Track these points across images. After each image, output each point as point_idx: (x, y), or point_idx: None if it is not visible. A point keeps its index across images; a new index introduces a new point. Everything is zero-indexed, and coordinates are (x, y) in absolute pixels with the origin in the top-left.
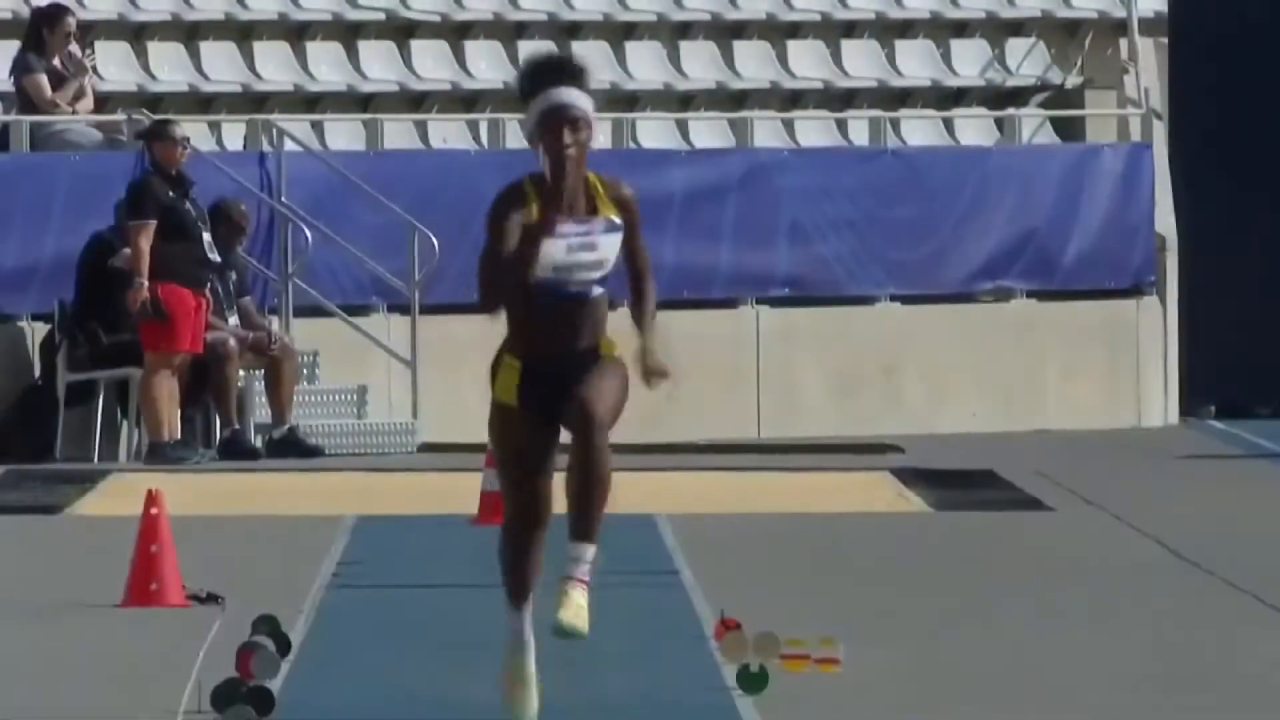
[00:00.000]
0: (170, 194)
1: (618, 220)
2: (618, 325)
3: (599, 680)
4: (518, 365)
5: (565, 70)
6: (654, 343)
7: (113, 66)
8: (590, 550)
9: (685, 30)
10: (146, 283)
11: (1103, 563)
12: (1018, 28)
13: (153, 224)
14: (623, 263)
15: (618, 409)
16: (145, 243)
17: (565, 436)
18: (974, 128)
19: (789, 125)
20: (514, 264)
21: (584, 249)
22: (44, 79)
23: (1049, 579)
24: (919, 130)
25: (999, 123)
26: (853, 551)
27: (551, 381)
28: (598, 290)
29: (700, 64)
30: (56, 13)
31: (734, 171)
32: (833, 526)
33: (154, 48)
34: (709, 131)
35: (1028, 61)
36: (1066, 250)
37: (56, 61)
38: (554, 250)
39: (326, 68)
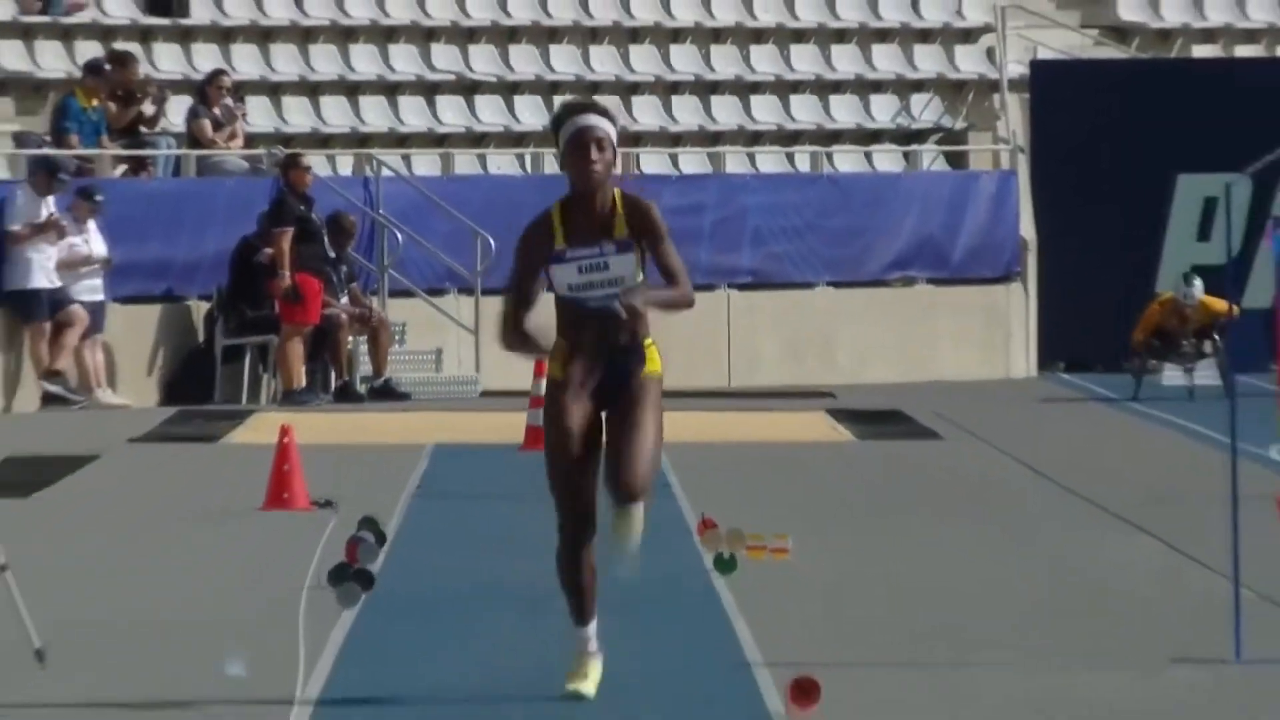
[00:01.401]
0: (300, 208)
1: (629, 240)
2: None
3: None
4: (565, 347)
5: (590, 105)
6: (646, 294)
7: (256, 114)
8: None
9: (674, 88)
10: (287, 273)
11: (981, 477)
12: (920, 85)
13: (291, 230)
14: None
15: (655, 460)
16: (286, 244)
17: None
18: (888, 159)
19: (752, 157)
20: (505, 323)
21: (595, 270)
22: (207, 124)
23: (942, 489)
24: (847, 161)
25: (906, 156)
26: (798, 470)
27: (597, 370)
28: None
29: (686, 112)
30: (216, 75)
31: (711, 192)
32: (784, 451)
33: (286, 100)
34: (693, 162)
35: (927, 110)
36: (955, 249)
37: (216, 110)
38: (565, 274)
39: (412, 115)
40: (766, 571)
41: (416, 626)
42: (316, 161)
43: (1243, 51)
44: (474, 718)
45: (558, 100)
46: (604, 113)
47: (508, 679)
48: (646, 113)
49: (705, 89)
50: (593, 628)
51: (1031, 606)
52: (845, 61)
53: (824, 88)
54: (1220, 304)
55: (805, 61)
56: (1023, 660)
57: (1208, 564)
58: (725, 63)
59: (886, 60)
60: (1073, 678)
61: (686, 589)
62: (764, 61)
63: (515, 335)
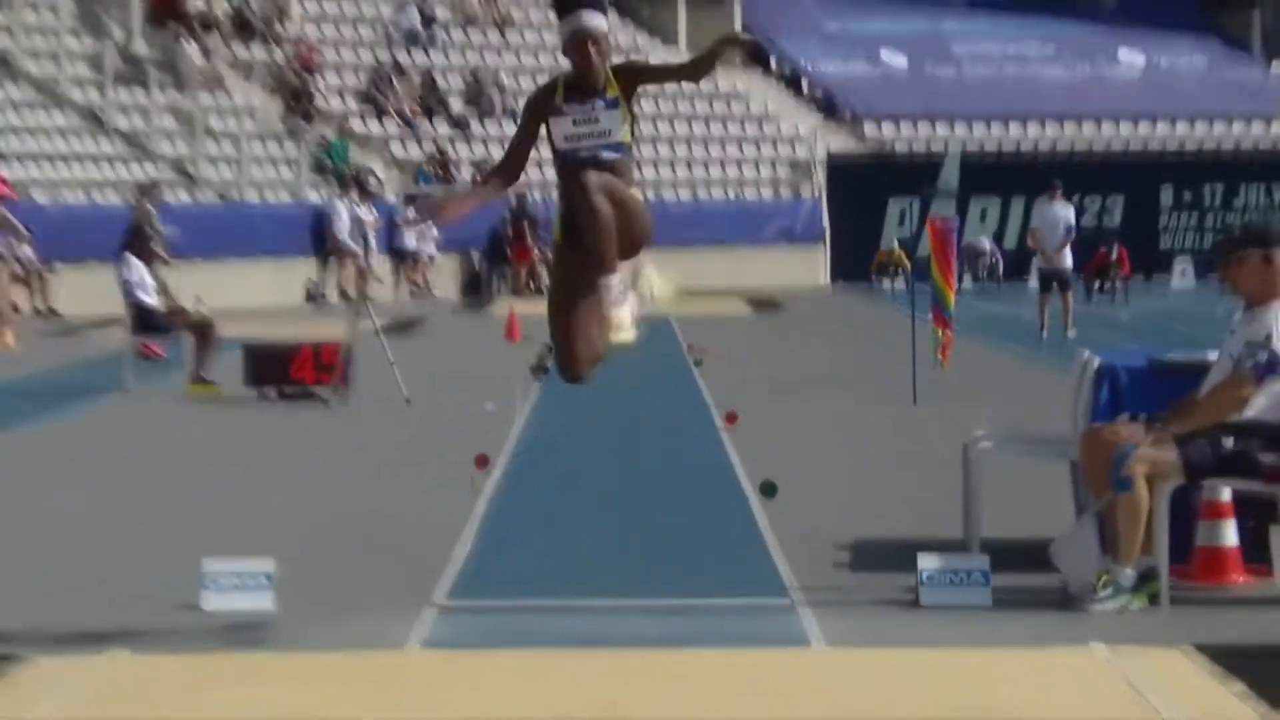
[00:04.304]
0: None
1: (617, 99)
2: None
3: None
4: (563, 210)
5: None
6: (722, 38)
7: None
8: (611, 278)
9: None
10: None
11: (815, 327)
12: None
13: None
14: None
15: (610, 188)
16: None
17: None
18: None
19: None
20: (492, 172)
21: (586, 123)
22: None
23: (796, 334)
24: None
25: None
26: (735, 326)
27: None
28: (610, 154)
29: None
30: None
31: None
32: (724, 320)
33: None
34: None
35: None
36: (798, 229)
37: None
38: (561, 126)
39: None
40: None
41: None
42: None
43: None
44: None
45: None
46: (597, 4)
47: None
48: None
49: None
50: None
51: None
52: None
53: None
54: (903, 254)
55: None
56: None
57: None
58: None
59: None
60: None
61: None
62: None
63: (479, 184)
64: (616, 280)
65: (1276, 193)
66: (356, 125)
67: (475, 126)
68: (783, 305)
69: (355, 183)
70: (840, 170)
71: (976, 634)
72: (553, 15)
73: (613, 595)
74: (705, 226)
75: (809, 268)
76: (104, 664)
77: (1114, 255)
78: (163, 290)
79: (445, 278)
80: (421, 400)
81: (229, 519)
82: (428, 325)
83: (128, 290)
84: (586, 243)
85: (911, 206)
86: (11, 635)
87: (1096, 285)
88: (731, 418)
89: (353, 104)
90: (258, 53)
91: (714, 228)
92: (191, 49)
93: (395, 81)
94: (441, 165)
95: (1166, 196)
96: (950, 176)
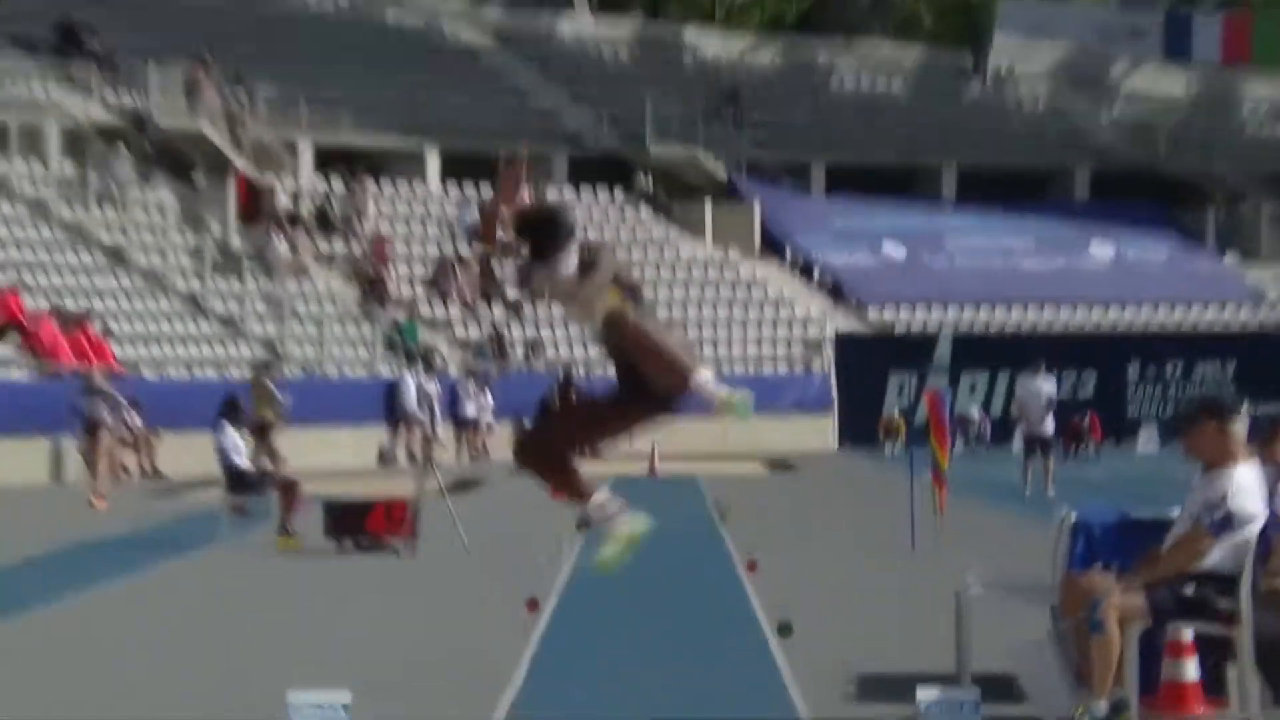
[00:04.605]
0: None
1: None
2: None
3: None
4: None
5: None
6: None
7: None
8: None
9: None
10: None
11: (825, 485)
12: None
13: None
14: None
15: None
16: None
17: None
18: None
19: None
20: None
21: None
22: None
23: (808, 492)
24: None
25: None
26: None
27: None
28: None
29: None
30: None
31: None
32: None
33: None
34: None
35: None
36: (810, 399)
37: None
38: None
39: None
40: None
41: None
42: None
43: None
44: None
45: None
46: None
47: None
48: None
49: None
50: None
51: None
52: None
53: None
54: (903, 421)
55: None
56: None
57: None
58: None
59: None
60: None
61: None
62: None
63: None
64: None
65: (1229, 367)
66: (424, 309)
67: (527, 309)
68: (796, 466)
69: (422, 359)
70: (847, 347)
71: None
72: (596, 210)
73: None
74: None
75: (820, 433)
76: None
77: (1086, 422)
78: (272, 451)
79: (501, 442)
80: (480, 550)
81: (311, 655)
82: (485, 485)
83: (223, 454)
84: (648, 373)
85: (910, 379)
86: None
87: (1072, 449)
88: (752, 565)
89: (420, 291)
90: (338, 246)
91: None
92: (280, 243)
93: (457, 271)
94: (498, 342)
95: (1133, 371)
96: (943, 353)
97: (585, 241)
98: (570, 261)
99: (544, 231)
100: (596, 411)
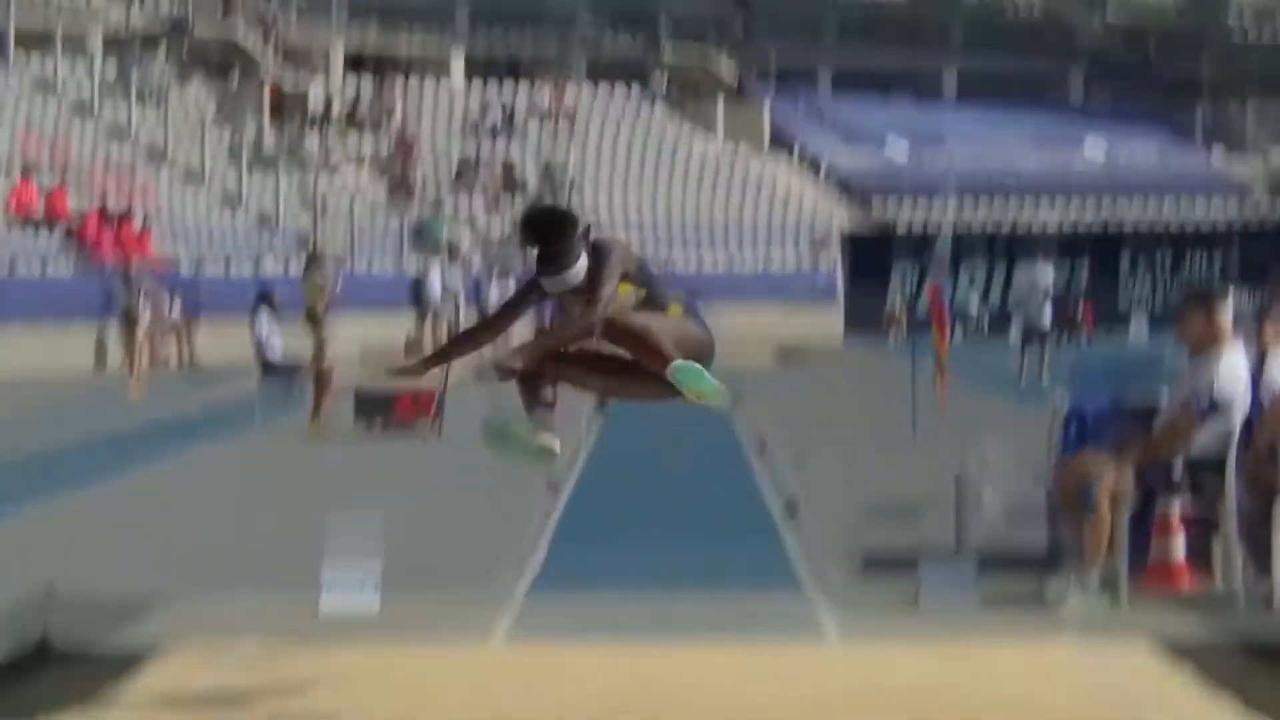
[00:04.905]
0: None
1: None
2: None
3: None
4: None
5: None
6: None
7: None
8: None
9: None
10: None
11: (831, 374)
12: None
13: None
14: None
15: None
16: None
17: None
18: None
19: None
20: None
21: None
22: None
23: (815, 380)
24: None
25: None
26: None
27: None
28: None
29: None
30: None
31: None
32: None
33: None
34: None
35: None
36: (817, 292)
37: None
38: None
39: None
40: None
41: None
42: None
43: None
44: None
45: None
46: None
47: None
48: None
49: None
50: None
51: None
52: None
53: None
54: (905, 312)
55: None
56: None
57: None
58: None
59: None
60: None
61: None
62: None
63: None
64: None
65: (1216, 259)
66: (449, 205)
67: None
68: (804, 357)
69: (447, 252)
70: (852, 242)
71: (967, 630)
72: (613, 109)
73: (658, 594)
74: (739, 291)
75: (826, 325)
76: (236, 650)
77: (1080, 313)
78: (321, 341)
79: (522, 330)
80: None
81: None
82: (508, 370)
83: (257, 345)
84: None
85: (912, 273)
86: (151, 628)
87: (1065, 337)
88: (762, 447)
89: (445, 186)
90: (367, 145)
91: (746, 292)
92: (312, 142)
93: (480, 167)
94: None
95: (1125, 263)
96: (944, 247)
97: (597, 240)
98: (580, 266)
99: (552, 235)
100: (602, 363)
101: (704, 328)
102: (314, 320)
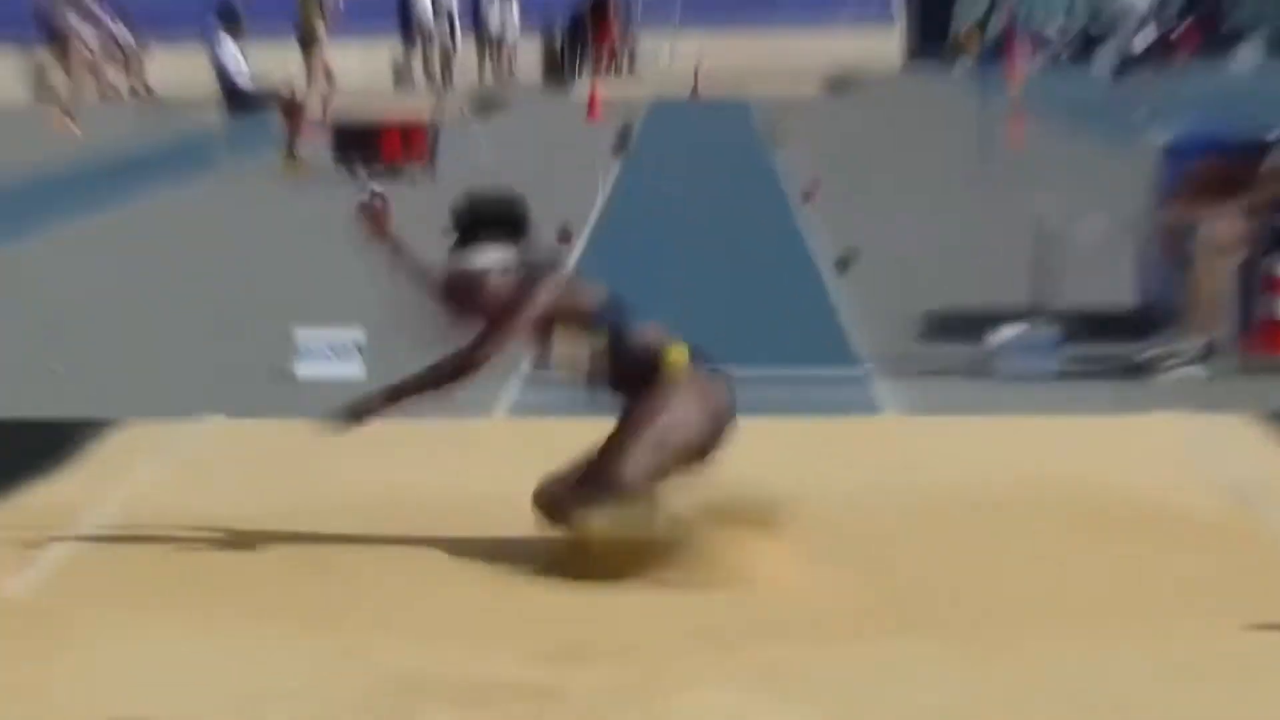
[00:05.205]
0: None
1: None
2: None
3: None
4: None
5: None
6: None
7: None
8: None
9: None
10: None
11: (888, 109)
12: None
13: None
14: None
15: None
16: None
17: None
18: None
19: None
20: None
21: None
22: None
23: (870, 116)
24: None
25: None
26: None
27: None
28: None
29: None
30: None
31: None
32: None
33: None
34: None
35: None
36: (873, 10)
37: None
38: None
39: None
40: None
41: None
42: None
43: None
44: None
45: None
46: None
47: None
48: None
49: None
50: None
51: None
52: None
53: None
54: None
55: None
56: None
57: None
58: None
59: None
60: None
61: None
62: None
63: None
64: None
65: None
66: None
67: None
68: (857, 86)
69: None
70: None
71: (1045, 401)
72: None
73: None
74: (780, 11)
75: (882, 49)
76: (199, 429)
77: (1181, 33)
78: (312, 69)
79: (528, 59)
80: (504, 178)
81: (320, 291)
82: (511, 106)
83: (220, 70)
84: None
85: None
86: (108, 400)
87: (1164, 63)
88: (808, 194)
89: None
90: None
91: (789, 8)
92: None
93: None
94: None
95: None
96: None
97: (532, 263)
98: (481, 260)
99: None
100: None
101: (708, 399)
102: (310, 43)
